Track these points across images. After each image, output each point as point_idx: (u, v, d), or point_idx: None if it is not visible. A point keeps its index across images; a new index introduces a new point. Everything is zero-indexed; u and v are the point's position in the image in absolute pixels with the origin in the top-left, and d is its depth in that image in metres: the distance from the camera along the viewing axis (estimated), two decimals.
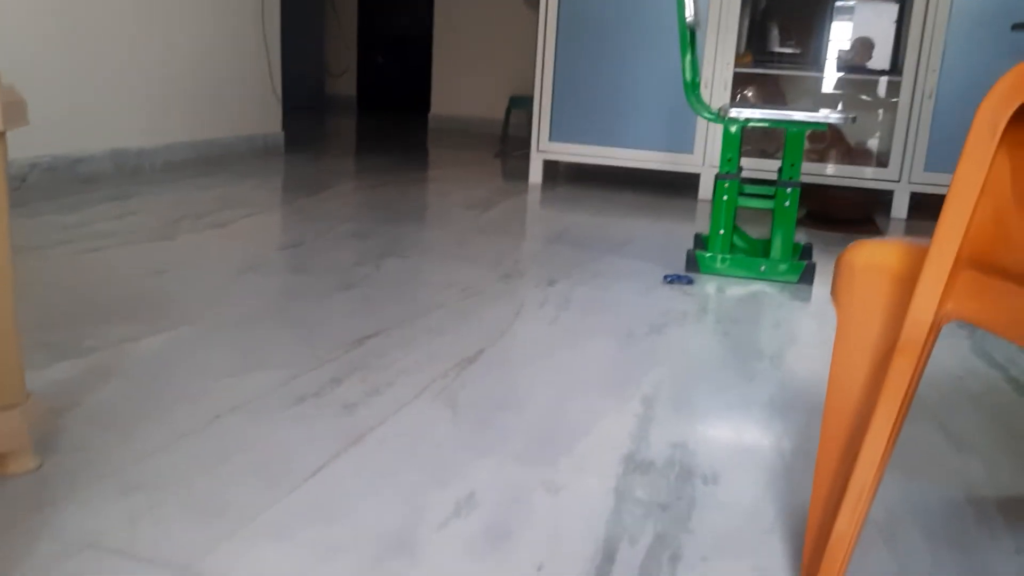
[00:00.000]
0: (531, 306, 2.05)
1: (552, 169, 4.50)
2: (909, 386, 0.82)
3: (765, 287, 2.38)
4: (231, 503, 1.10)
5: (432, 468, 1.22)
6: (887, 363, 0.83)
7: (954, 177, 0.77)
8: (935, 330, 0.81)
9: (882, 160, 3.87)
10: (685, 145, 3.87)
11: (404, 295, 2.07)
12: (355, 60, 7.86)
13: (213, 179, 3.57)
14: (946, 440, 1.43)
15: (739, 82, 4.05)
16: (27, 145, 3.14)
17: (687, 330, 1.94)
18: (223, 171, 3.79)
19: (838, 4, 3.93)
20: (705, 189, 3.92)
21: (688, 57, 2.48)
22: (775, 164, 3.77)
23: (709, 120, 2.62)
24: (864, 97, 4.13)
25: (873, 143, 4.12)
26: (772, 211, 2.44)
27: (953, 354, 1.88)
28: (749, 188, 2.56)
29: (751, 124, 2.43)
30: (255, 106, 4.45)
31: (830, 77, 4.09)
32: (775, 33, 4.06)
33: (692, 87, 2.52)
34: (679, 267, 2.54)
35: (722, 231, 2.47)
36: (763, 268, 2.46)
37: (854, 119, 2.41)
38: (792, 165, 2.41)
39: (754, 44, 4.11)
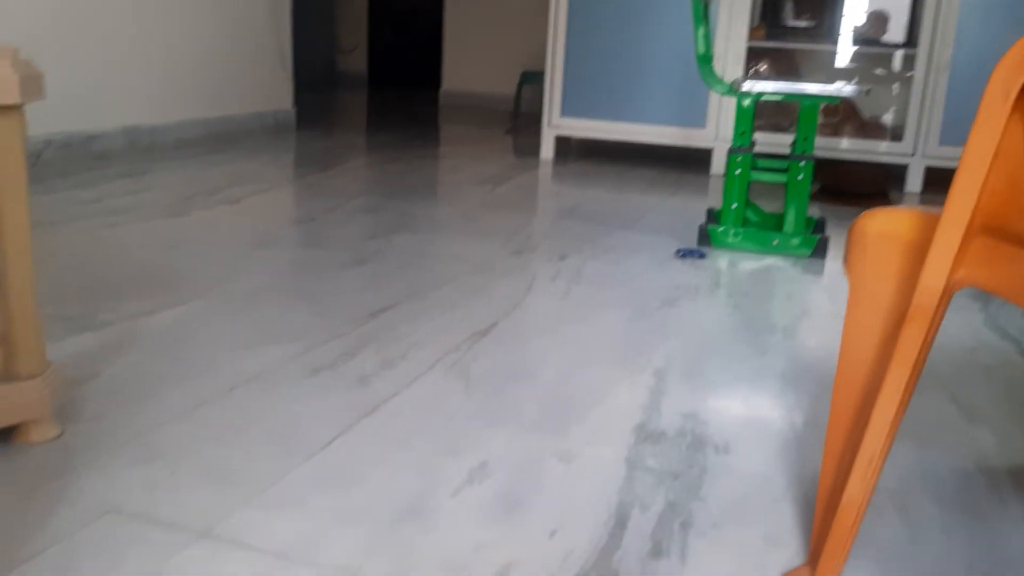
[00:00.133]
0: (543, 280, 2.06)
1: (564, 145, 4.49)
2: (920, 353, 0.82)
3: (778, 261, 2.38)
4: (248, 471, 1.11)
5: (445, 438, 1.23)
6: (898, 330, 0.83)
7: (967, 143, 0.77)
8: (946, 297, 0.81)
9: (896, 134, 3.84)
10: (698, 120, 3.85)
11: (415, 270, 2.08)
12: (366, 36, 7.83)
13: (225, 156, 3.58)
14: (958, 411, 1.43)
15: (752, 56, 4.02)
16: (42, 122, 3.15)
17: (699, 304, 1.95)
18: (235, 148, 3.80)
19: None
20: (718, 164, 3.90)
21: (701, 30, 2.47)
22: (788, 139, 3.74)
23: (722, 94, 2.60)
24: (879, 71, 4.10)
25: (887, 117, 4.09)
26: (785, 185, 2.43)
27: (966, 327, 1.88)
28: (762, 162, 2.55)
29: (764, 98, 2.42)
30: (266, 83, 4.45)
31: (844, 51, 4.05)
32: (789, 6, 4.02)
33: (705, 60, 2.50)
34: (691, 242, 2.54)
35: (735, 205, 2.46)
36: (776, 242, 2.45)
37: (868, 91, 2.39)
38: (805, 139, 2.40)
39: (768, 17, 4.07)
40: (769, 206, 3.10)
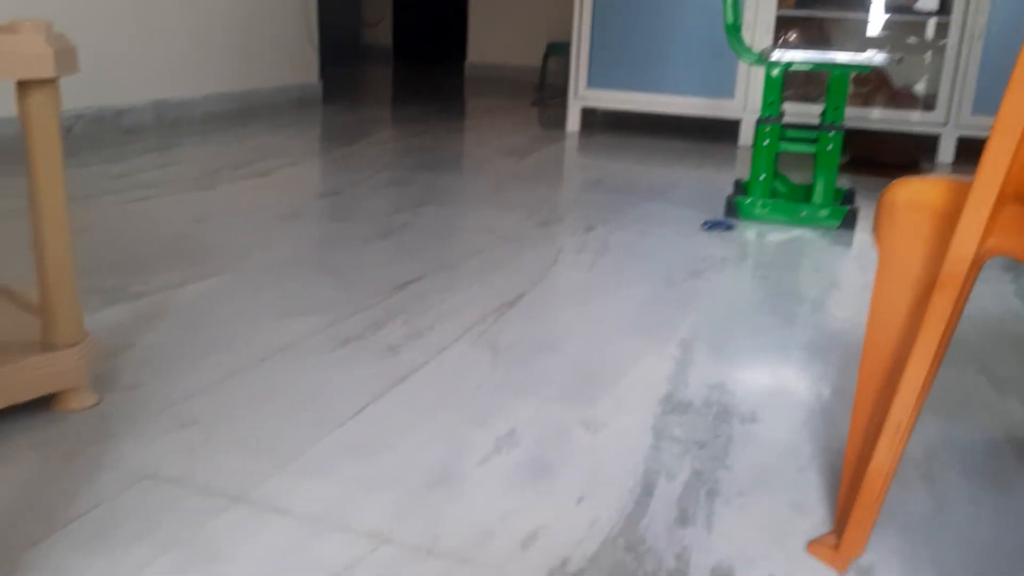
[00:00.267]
0: (569, 252, 2.06)
1: (590, 117, 4.47)
2: (949, 322, 0.82)
3: (806, 233, 2.36)
4: (280, 438, 1.13)
5: (473, 408, 1.25)
6: (927, 299, 0.83)
7: (1000, 110, 0.76)
8: (977, 266, 0.81)
9: (928, 103, 3.78)
10: (726, 90, 3.81)
11: (442, 242, 2.09)
12: (391, 9, 7.80)
13: (251, 129, 3.60)
14: (987, 382, 1.42)
15: (782, 25, 3.96)
16: (73, 97, 3.19)
17: (726, 275, 1.94)
18: (261, 121, 3.82)
19: None
20: (746, 135, 3.86)
21: None
22: (818, 109, 3.70)
23: (751, 63, 2.57)
24: (911, 39, 4.02)
25: (919, 87, 4.02)
26: (814, 156, 2.40)
27: (995, 298, 1.86)
28: (791, 133, 2.53)
29: (794, 67, 2.39)
30: (292, 57, 4.46)
31: (876, 19, 3.98)
32: None
33: (734, 30, 2.47)
34: (719, 214, 2.52)
35: (763, 176, 2.44)
36: (804, 214, 2.43)
37: (900, 60, 2.35)
38: (835, 108, 2.37)
39: None
40: (798, 177, 3.07)
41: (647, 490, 1.05)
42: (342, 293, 1.70)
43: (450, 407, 1.25)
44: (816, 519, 1.01)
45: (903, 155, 3.49)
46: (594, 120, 4.48)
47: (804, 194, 2.53)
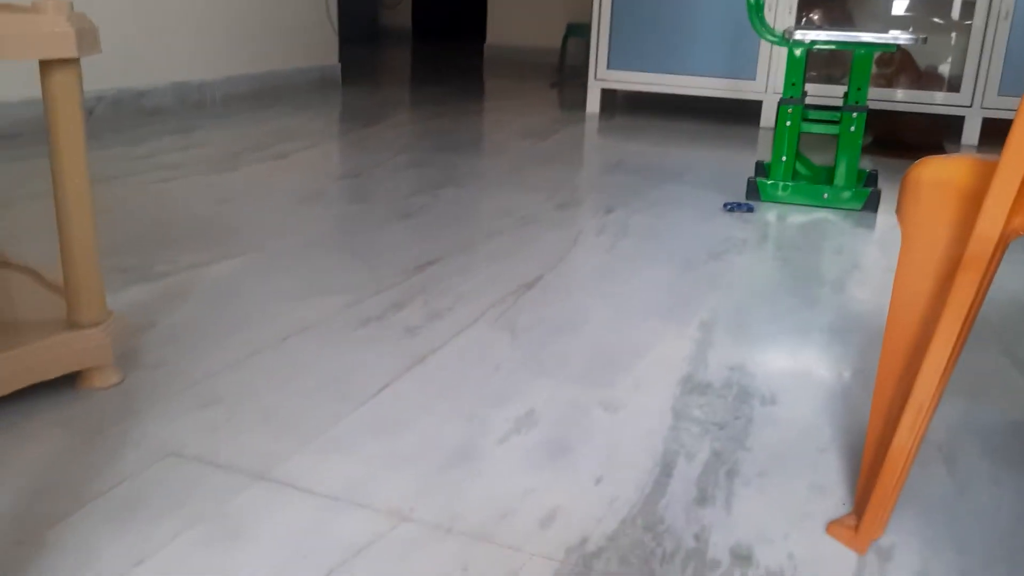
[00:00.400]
0: (589, 234, 2.06)
1: (610, 98, 4.44)
2: (973, 303, 0.81)
3: (828, 214, 2.34)
4: (302, 417, 1.14)
5: (492, 387, 1.25)
6: (951, 280, 0.82)
7: None
8: (1002, 246, 0.80)
9: (954, 84, 3.73)
10: (748, 71, 3.78)
11: (462, 223, 2.09)
12: None
13: (271, 111, 3.61)
14: (1011, 364, 1.41)
15: (805, 4, 3.91)
16: (94, 78, 3.20)
17: (747, 257, 1.93)
18: (281, 103, 3.83)
19: None
20: (768, 117, 3.83)
21: None
22: (841, 90, 3.66)
23: (773, 43, 2.55)
24: (936, 19, 3.96)
25: (944, 67, 3.97)
26: (837, 137, 2.38)
27: (1021, 279, 1.84)
28: (813, 114, 2.50)
29: (816, 47, 2.37)
30: (312, 38, 4.46)
31: None
32: None
33: (756, 9, 2.45)
34: (739, 195, 2.51)
35: (784, 158, 2.42)
36: (826, 195, 2.41)
37: (924, 40, 2.32)
38: (859, 89, 2.34)
39: None
40: (820, 159, 3.04)
41: (666, 470, 1.05)
42: (362, 274, 1.71)
43: (469, 387, 1.25)
44: (836, 500, 1.01)
45: (927, 136, 3.45)
46: (614, 102, 4.46)
47: (826, 176, 2.51)
